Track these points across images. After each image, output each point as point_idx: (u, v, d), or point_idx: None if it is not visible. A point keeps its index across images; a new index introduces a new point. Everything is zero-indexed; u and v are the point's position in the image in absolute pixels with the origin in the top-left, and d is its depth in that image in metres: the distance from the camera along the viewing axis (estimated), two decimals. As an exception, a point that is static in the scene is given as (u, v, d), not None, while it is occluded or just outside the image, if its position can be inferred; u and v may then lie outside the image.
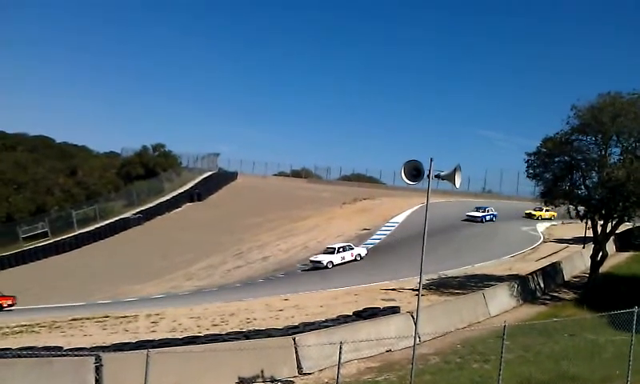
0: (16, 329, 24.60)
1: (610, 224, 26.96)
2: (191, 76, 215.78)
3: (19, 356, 13.89)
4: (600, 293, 24.76)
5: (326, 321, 20.24)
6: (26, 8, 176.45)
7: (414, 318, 17.09)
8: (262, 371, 14.46)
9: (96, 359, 12.75)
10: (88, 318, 26.39)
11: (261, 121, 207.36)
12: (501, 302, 23.64)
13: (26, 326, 25.34)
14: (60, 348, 17.21)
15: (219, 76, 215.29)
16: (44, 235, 62.67)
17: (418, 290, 13.73)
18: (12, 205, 64.66)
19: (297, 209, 67.81)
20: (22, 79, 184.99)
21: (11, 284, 45.97)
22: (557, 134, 26.67)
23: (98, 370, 12.64)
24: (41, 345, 18.52)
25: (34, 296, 41.36)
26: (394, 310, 21.14)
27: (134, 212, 67.78)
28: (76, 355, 14.06)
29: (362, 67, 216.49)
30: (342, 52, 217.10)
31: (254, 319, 23.79)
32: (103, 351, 14.38)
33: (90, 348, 16.97)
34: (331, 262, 42.81)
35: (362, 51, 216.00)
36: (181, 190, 76.17)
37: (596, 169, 26.16)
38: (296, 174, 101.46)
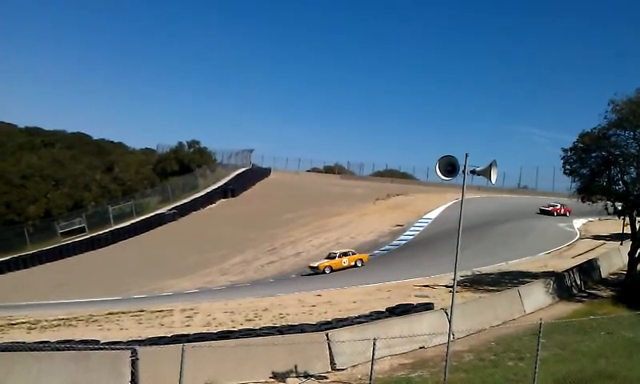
0: (54, 322, 25.03)
1: (648, 220, 26.48)
2: (225, 73, 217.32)
3: (57, 349, 14.15)
4: (638, 290, 24.31)
5: (359, 317, 20.23)
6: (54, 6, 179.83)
7: (447, 315, 16.98)
8: (296, 366, 14.52)
9: (132, 353, 12.93)
10: (124, 312, 26.74)
11: (294, 117, 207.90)
12: (536, 299, 23.35)
13: (63, 319, 25.77)
14: (97, 341, 17.51)
15: (253, 73, 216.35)
16: (81, 231, 63.56)
17: (451, 286, 13.66)
18: (50, 201, 65.69)
19: (329, 205, 67.78)
20: (59, 77, 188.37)
21: (49, 278, 47.03)
22: (594, 128, 26.25)
23: (133, 363, 12.82)
24: (78, 338, 18.83)
25: (71, 290, 42.11)
26: (428, 307, 21.05)
27: (169, 208, 68.30)
28: (112, 349, 14.28)
29: (395, 63, 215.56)
30: (376, 49, 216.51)
31: (287, 314, 23.88)
32: (139, 345, 14.56)
33: (126, 342, 17.17)
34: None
35: (396, 48, 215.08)
36: (215, 186, 76.46)
37: (634, 164, 25.66)
38: (329, 170, 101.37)
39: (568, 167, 27.50)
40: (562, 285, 25.66)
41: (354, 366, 15.33)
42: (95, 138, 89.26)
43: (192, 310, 26.53)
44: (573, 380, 12.80)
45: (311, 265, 42.61)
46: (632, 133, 25.41)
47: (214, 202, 72.72)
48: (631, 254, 27.11)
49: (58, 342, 16.61)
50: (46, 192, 66.07)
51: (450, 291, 14.86)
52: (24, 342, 17.85)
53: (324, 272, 40.87)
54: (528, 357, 14.81)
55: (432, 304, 21.86)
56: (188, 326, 22.70)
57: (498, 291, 24.87)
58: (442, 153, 12.76)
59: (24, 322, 25.22)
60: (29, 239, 59.82)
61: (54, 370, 12.44)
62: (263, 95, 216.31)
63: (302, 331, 17.64)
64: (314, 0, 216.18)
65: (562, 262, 34.04)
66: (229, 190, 75.45)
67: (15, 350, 14.00)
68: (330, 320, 20.08)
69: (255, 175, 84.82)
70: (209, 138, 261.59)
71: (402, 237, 52.71)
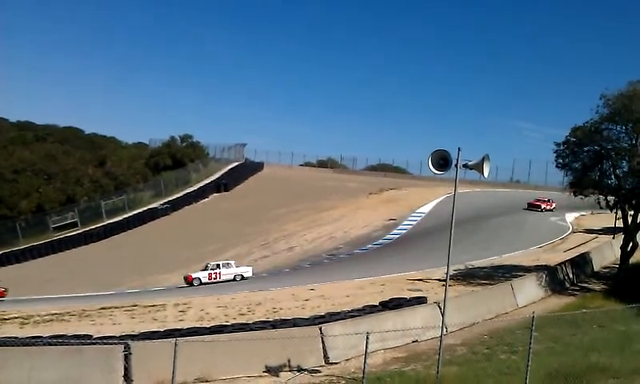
0: (46, 317, 24.94)
1: (640, 214, 26.57)
2: (217, 68, 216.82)
3: (50, 344, 14.11)
4: (630, 284, 24.40)
5: (352, 311, 20.25)
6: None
7: (440, 309, 17.00)
8: (289, 360, 14.53)
9: (125, 347, 12.90)
10: (117, 307, 26.68)
11: (287, 112, 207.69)
12: (529, 292, 23.41)
13: (56, 314, 25.68)
14: (90, 336, 17.46)
15: (246, 68, 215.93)
16: (74, 225, 63.42)
17: (444, 280, 13.67)
18: (42, 195, 65.46)
19: (323, 199, 67.74)
20: (51, 71, 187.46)
21: (42, 273, 46.86)
22: (586, 122, 26.27)
23: (126, 357, 12.79)
24: (71, 333, 18.80)
25: (64, 285, 41.95)
26: (421, 301, 21.09)
27: (161, 202, 68.25)
28: (105, 343, 14.24)
29: (388, 57, 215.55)
30: (369, 44, 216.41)
31: (281, 309, 23.88)
32: (132, 339, 14.54)
33: (119, 336, 17.16)
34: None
35: (389, 43, 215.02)
36: (208, 181, 76.46)
37: (626, 158, 25.71)
38: (322, 164, 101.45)
39: (560, 161, 27.55)
40: (554, 278, 25.75)
41: (347, 360, 15.34)
42: (87, 132, 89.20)
43: (185, 304, 26.50)
44: (565, 373, 12.82)
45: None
46: (624, 127, 25.47)
47: (207, 197, 72.65)
48: (623, 247, 27.21)
49: (51, 337, 16.59)
50: (38, 186, 65.84)
51: (443, 285, 14.87)
52: (16, 337, 17.75)
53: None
54: (521, 350, 14.84)
55: (425, 298, 21.90)
56: (181, 320, 22.66)
57: (491, 285, 24.96)
58: (434, 147, 12.78)
59: (16, 317, 25.11)
60: (21, 234, 59.67)
61: (47, 365, 12.41)
62: (256, 89, 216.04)
63: (295, 325, 17.65)
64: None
65: (555, 256, 34.17)
66: (222, 185, 75.39)
67: (8, 346, 13.93)
68: (323, 314, 20.09)
69: (248, 170, 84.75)
70: (201, 132, 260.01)
71: (395, 231, 52.78)
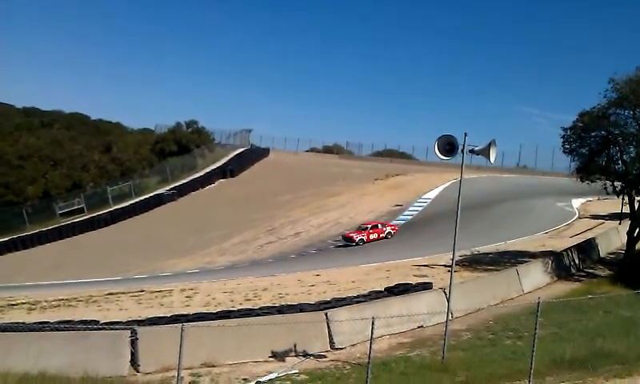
0: (54, 303, 25.08)
1: (647, 200, 26.45)
2: (223, 53, 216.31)
3: (57, 329, 14.18)
4: (636, 269, 24.34)
5: (358, 296, 20.28)
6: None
7: (446, 294, 17.04)
8: (295, 345, 14.58)
9: (132, 333, 12.99)
10: (123, 293, 26.79)
11: (292, 97, 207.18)
12: (534, 278, 23.41)
13: (63, 299, 25.82)
14: (96, 322, 17.53)
15: (252, 53, 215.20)
16: (80, 211, 63.65)
17: (450, 266, 13.67)
18: (49, 181, 65.74)
19: (329, 185, 67.63)
20: (57, 57, 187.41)
21: (49, 258, 47.04)
22: (593, 107, 26.09)
23: (133, 343, 12.88)
24: (78, 318, 18.88)
25: (70, 271, 42.13)
26: (426, 286, 21.10)
27: (167, 188, 68.35)
28: (112, 329, 14.32)
29: (394, 44, 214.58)
30: (375, 29, 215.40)
31: (287, 294, 23.91)
32: (139, 325, 14.61)
33: (126, 322, 17.24)
34: None
35: (395, 29, 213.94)
36: (214, 166, 76.48)
37: (634, 143, 25.58)
38: (328, 150, 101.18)
39: (567, 146, 27.39)
40: (560, 264, 25.71)
41: (352, 345, 15.39)
42: (93, 118, 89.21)
43: (191, 289, 26.60)
44: (570, 359, 12.84)
45: None
46: (632, 112, 25.30)
47: (213, 182, 72.69)
48: (630, 233, 27.10)
49: (58, 323, 16.65)
50: (45, 172, 66.09)
51: (449, 271, 14.88)
52: (24, 323, 17.88)
53: None
54: (526, 336, 14.86)
55: (431, 283, 21.91)
56: (187, 306, 22.74)
57: (497, 271, 24.92)
58: (440, 132, 12.75)
59: (24, 303, 25.27)
60: (28, 220, 59.94)
61: (54, 350, 12.48)
62: (261, 75, 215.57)
63: (301, 311, 17.71)
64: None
65: (561, 242, 34.05)
66: (227, 171, 75.38)
67: (15, 331, 14.03)
68: (328, 299, 20.12)
69: (254, 155, 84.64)
70: (206, 118, 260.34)
71: (401, 217, 52.63)
